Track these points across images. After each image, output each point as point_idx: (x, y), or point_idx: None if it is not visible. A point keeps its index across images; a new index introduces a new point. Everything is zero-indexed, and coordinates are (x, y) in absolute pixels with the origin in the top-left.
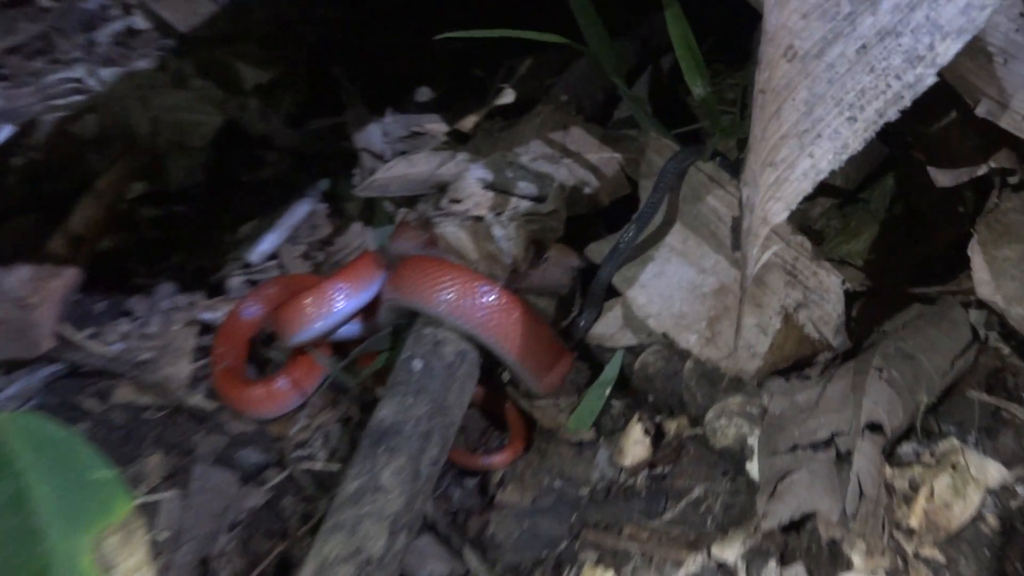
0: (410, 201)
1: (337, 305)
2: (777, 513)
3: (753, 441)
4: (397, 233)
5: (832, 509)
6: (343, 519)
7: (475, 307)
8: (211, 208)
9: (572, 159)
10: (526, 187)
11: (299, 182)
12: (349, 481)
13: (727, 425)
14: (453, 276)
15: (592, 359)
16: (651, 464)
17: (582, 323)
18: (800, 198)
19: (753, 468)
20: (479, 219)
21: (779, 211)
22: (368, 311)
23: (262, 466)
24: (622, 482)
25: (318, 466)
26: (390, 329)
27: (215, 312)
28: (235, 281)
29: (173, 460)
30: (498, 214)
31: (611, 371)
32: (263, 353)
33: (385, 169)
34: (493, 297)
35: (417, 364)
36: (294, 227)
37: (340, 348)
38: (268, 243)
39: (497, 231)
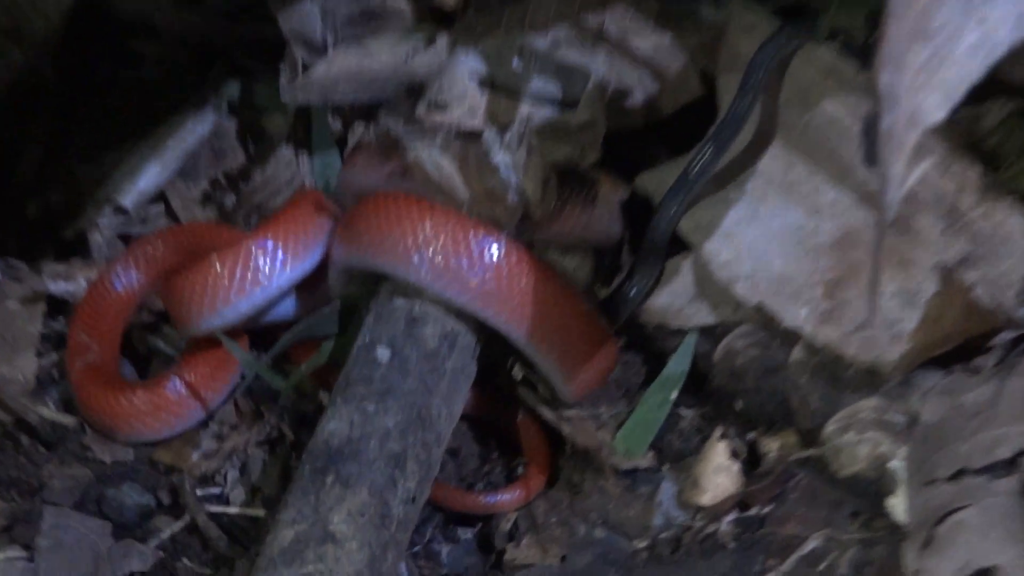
0: (367, 112)
1: (265, 273)
2: (936, 572)
3: (898, 465)
4: (350, 161)
5: (1020, 563)
6: None
7: (470, 268)
8: (62, 125)
9: (614, 46)
10: (544, 87)
11: (194, 86)
12: (282, 528)
13: (857, 442)
14: (436, 222)
15: (649, 347)
16: (742, 503)
17: (632, 292)
18: (965, 89)
19: (898, 505)
20: (473, 137)
21: (934, 108)
22: (307, 280)
23: (147, 511)
24: (698, 530)
25: (233, 510)
26: (339, 304)
27: (71, 282)
28: (101, 236)
29: (13, 503)
30: (501, 129)
31: (678, 365)
32: (145, 342)
33: (327, 62)
34: (497, 253)
35: (383, 353)
36: (188, 154)
37: (263, 334)
38: (149, 179)
39: (499, 155)
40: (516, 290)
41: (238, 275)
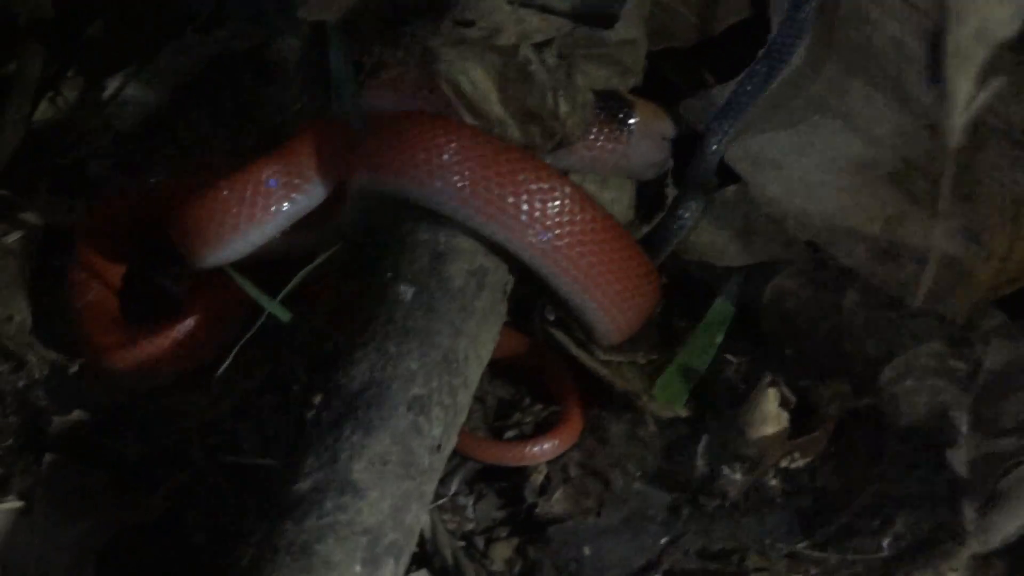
0: (384, 30)
1: (277, 201)
2: (998, 528)
3: (960, 415)
4: (372, 79)
5: None
6: (289, 539)
7: (511, 199)
8: (60, 47)
9: None
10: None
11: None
12: (299, 476)
13: (916, 390)
14: (476, 147)
15: (691, 286)
16: (791, 455)
17: (675, 226)
18: None
19: (959, 458)
20: (510, 52)
21: (1006, 21)
22: (320, 213)
23: (151, 460)
24: (743, 483)
25: (244, 459)
26: (355, 235)
27: (68, 215)
28: (99, 165)
29: (9, 449)
30: (540, 45)
31: (724, 307)
32: (148, 280)
33: None
34: (539, 184)
35: (405, 290)
36: (194, 78)
37: (272, 270)
38: (152, 103)
39: (539, 73)
40: (568, 232)
41: (248, 202)
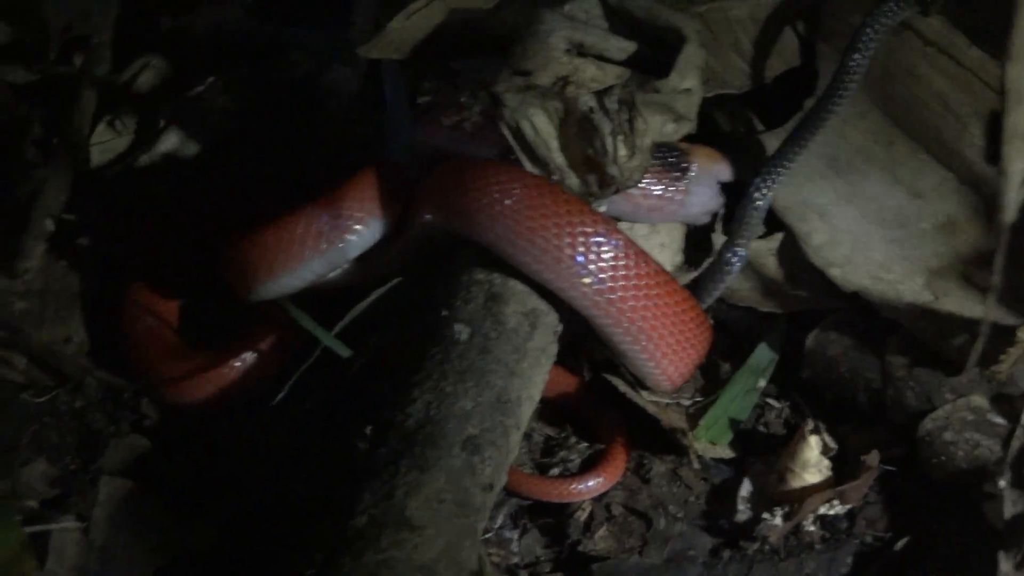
0: (442, 69)
1: (332, 239)
2: None
3: (999, 470)
4: (428, 118)
5: None
6: (346, 573)
7: (572, 254)
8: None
9: (709, 7)
10: (625, 48)
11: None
12: (357, 512)
13: (955, 442)
14: (538, 196)
15: (735, 330)
16: (831, 501)
17: (722, 272)
18: None
19: (997, 512)
20: (573, 99)
21: None
22: (376, 250)
23: (205, 485)
24: (782, 528)
25: (292, 487)
26: (409, 276)
27: (127, 243)
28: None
29: (67, 470)
30: (601, 93)
31: (767, 352)
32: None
33: (405, 15)
34: (598, 239)
35: (461, 330)
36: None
37: (321, 302)
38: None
39: (601, 121)
40: (630, 292)
41: (302, 241)
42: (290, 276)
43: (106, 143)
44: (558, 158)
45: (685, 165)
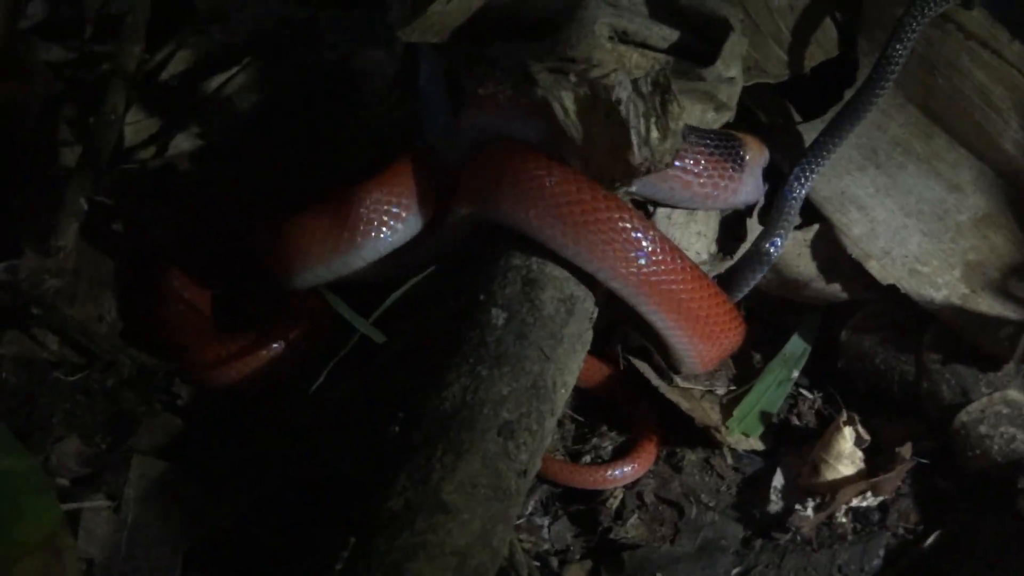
0: (480, 54)
1: (377, 226)
2: None
3: None
4: (472, 102)
5: None
6: (381, 555)
7: (609, 240)
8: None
9: None
10: (677, 37)
11: (289, 13)
12: (392, 495)
13: (990, 436)
14: (575, 186)
15: (770, 320)
16: (863, 492)
17: (761, 259)
18: None
19: None
20: (604, 86)
21: None
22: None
23: (238, 464)
24: (814, 519)
25: (326, 468)
26: (446, 262)
27: (161, 225)
28: (192, 168)
29: (97, 449)
30: (633, 80)
31: (801, 342)
32: (242, 284)
33: None
34: (633, 228)
35: (498, 315)
36: (285, 87)
37: (359, 289)
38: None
39: (629, 108)
40: (652, 266)
41: (346, 228)
42: (334, 263)
43: (139, 123)
44: (584, 139)
45: (741, 154)
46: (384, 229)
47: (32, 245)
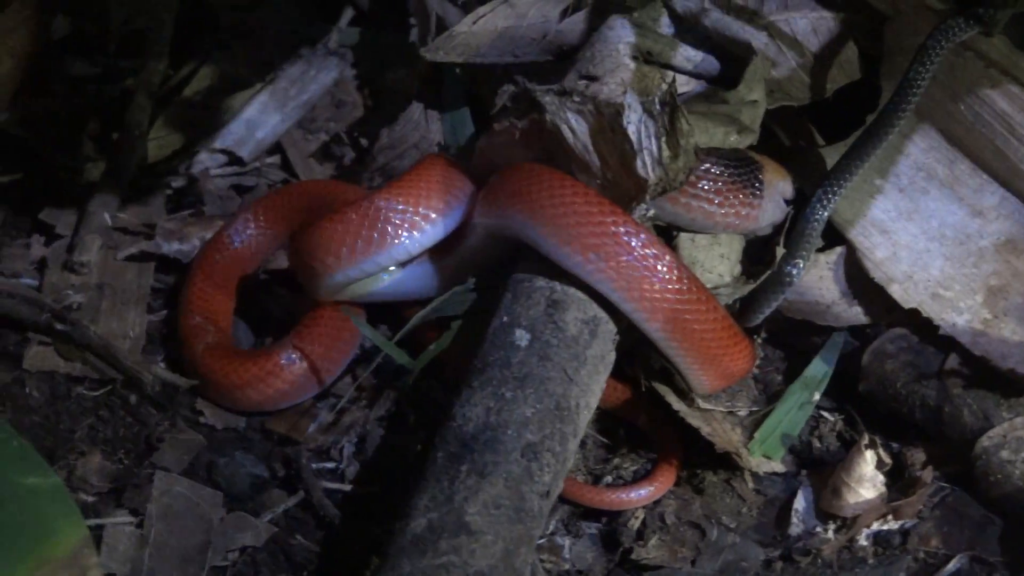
0: (504, 74)
1: (401, 233)
2: None
3: None
4: (493, 127)
5: None
6: (405, 574)
7: (616, 260)
8: (173, 62)
9: (774, 19)
10: (700, 59)
11: (313, 31)
12: (415, 515)
13: (1011, 461)
14: (584, 204)
15: (793, 343)
16: (884, 515)
17: (783, 282)
18: None
19: None
20: (614, 105)
21: None
22: (437, 257)
23: (260, 483)
24: (835, 542)
25: (348, 487)
26: (471, 282)
27: (183, 242)
28: (215, 184)
29: (120, 465)
30: (649, 98)
31: (823, 365)
32: (261, 304)
33: (472, 18)
34: (640, 247)
35: (521, 336)
36: (308, 105)
37: (382, 309)
38: (268, 127)
39: (639, 124)
40: (655, 286)
41: (378, 232)
42: (365, 265)
43: (163, 138)
44: (595, 161)
45: (760, 179)
46: (409, 231)
47: (56, 260)
